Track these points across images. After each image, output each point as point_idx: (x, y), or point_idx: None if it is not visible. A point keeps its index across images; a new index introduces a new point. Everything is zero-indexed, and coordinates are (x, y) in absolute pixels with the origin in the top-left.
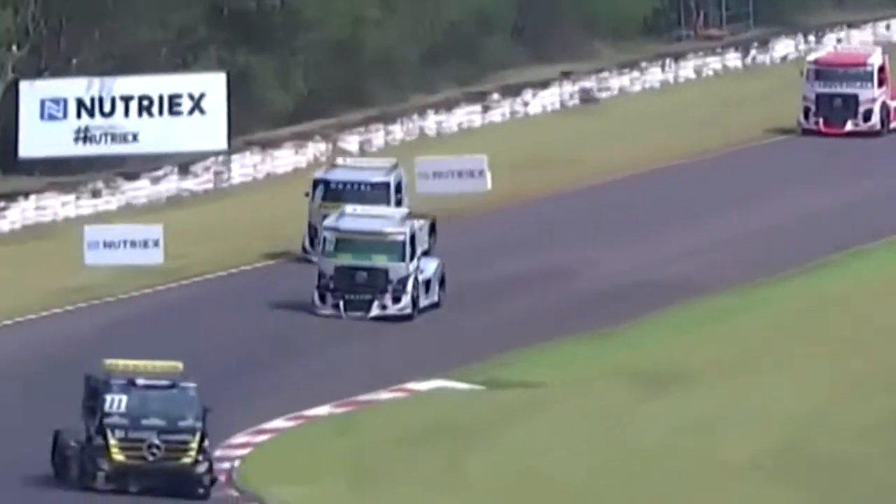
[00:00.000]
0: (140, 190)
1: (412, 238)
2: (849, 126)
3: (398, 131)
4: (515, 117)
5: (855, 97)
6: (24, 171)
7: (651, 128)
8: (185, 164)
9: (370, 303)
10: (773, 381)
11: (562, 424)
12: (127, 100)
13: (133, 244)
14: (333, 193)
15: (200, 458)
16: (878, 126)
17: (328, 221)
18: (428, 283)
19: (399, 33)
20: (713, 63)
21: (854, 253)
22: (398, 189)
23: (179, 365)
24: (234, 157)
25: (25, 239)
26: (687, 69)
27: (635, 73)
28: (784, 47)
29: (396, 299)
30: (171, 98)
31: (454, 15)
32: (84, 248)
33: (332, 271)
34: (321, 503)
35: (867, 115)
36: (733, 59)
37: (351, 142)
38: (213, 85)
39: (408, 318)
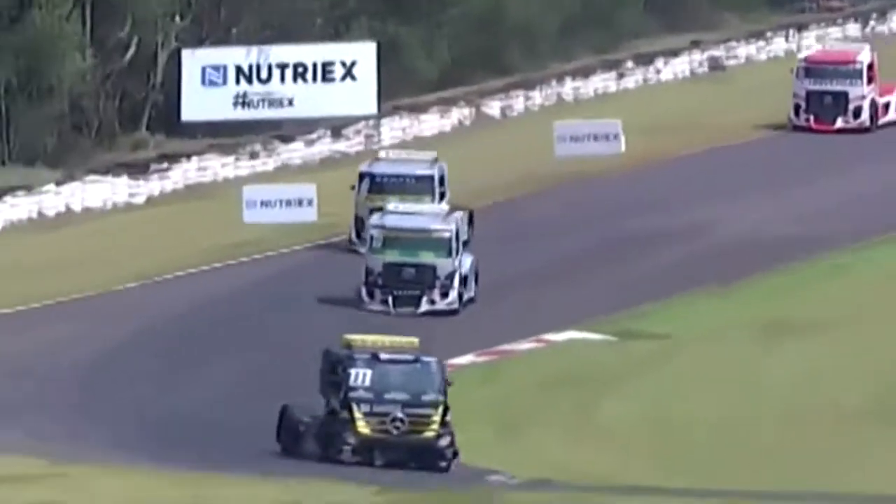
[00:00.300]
0: (295, 152)
1: (457, 234)
2: (839, 123)
3: (537, 97)
4: (648, 84)
5: (845, 94)
6: (186, 135)
7: (775, 94)
8: (337, 127)
9: (419, 298)
10: (890, 330)
11: (690, 373)
12: (283, 67)
13: (288, 203)
14: (379, 186)
15: (442, 431)
16: (868, 123)
17: (374, 219)
18: (465, 278)
19: (538, 4)
20: (834, 33)
21: None
22: (441, 182)
23: (416, 340)
24: (384, 121)
25: (187, 198)
26: (809, 38)
27: (761, 43)
28: None
29: (444, 294)
30: (325, 65)
31: None
32: (243, 206)
33: (380, 268)
34: (466, 447)
35: (857, 112)
36: (853, 29)
37: (493, 107)
38: (364, 53)
39: (454, 312)
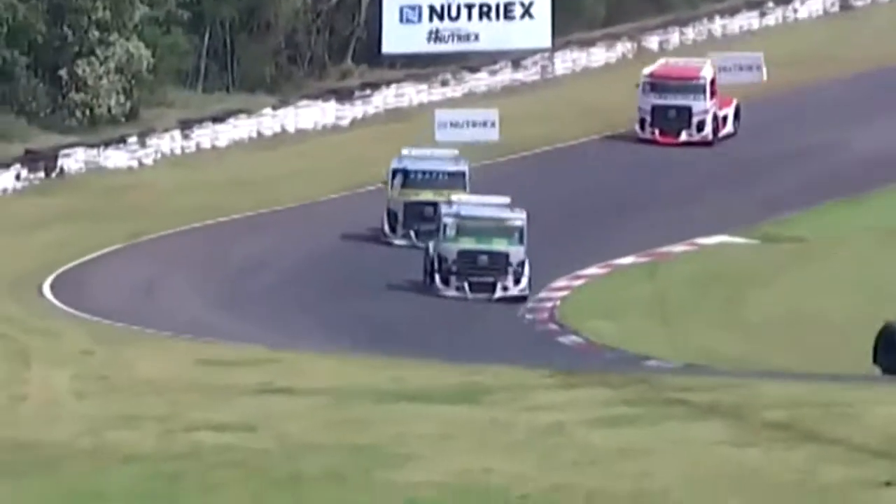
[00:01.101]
0: (480, 80)
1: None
2: (683, 136)
3: (690, 32)
4: (787, 21)
5: (689, 109)
6: (386, 65)
7: None
8: (517, 59)
9: (493, 285)
10: None
11: (824, 272)
12: (470, 7)
13: (474, 124)
14: (412, 182)
15: None
16: (710, 136)
17: (447, 209)
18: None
19: None
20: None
21: None
22: (469, 177)
23: None
24: (557, 54)
25: (387, 121)
26: None
27: None
28: None
29: (517, 281)
30: (506, 5)
31: None
32: (434, 127)
33: (454, 255)
34: (627, 335)
35: (700, 126)
36: None
37: (652, 42)
38: None
39: (524, 298)
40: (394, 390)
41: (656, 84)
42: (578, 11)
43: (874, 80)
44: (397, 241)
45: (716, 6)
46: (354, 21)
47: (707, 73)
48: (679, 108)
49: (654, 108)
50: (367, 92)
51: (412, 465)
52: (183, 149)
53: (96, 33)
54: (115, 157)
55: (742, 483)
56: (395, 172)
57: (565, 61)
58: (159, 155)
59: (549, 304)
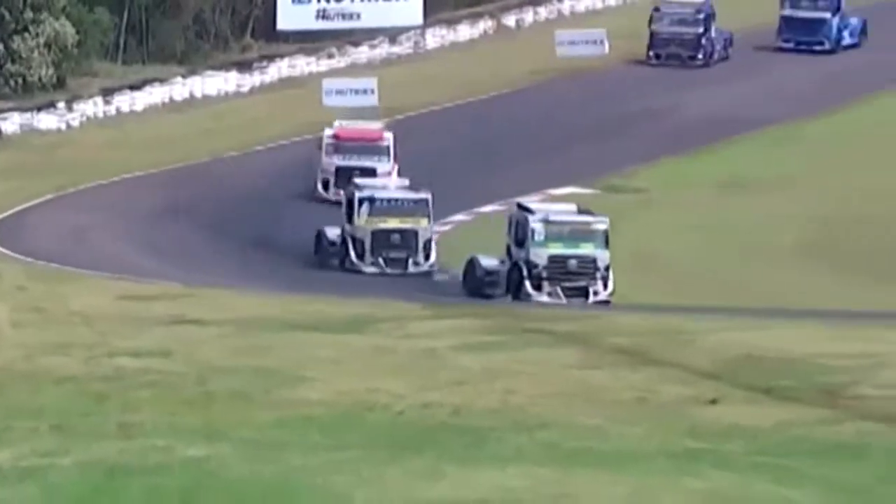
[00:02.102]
0: (361, 53)
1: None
2: None
3: (543, 12)
4: (626, 2)
5: (373, 170)
6: (281, 40)
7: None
8: (393, 35)
9: (586, 289)
10: (821, 187)
11: (662, 218)
12: None
13: (356, 92)
14: (378, 210)
15: None
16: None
17: (534, 217)
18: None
19: None
20: None
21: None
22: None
23: None
24: (428, 30)
25: (281, 88)
26: None
27: None
28: None
29: (605, 284)
30: None
31: None
32: (322, 94)
33: (545, 261)
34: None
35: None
36: None
37: (510, 20)
38: None
39: (608, 303)
40: (292, 321)
41: (340, 145)
42: None
43: None
44: (367, 269)
45: None
46: (253, 2)
47: (389, 135)
48: (364, 169)
49: (339, 169)
50: (265, 63)
51: (307, 386)
52: (105, 112)
53: (30, 13)
54: (46, 120)
55: (590, 399)
56: (360, 201)
57: (435, 37)
58: (85, 118)
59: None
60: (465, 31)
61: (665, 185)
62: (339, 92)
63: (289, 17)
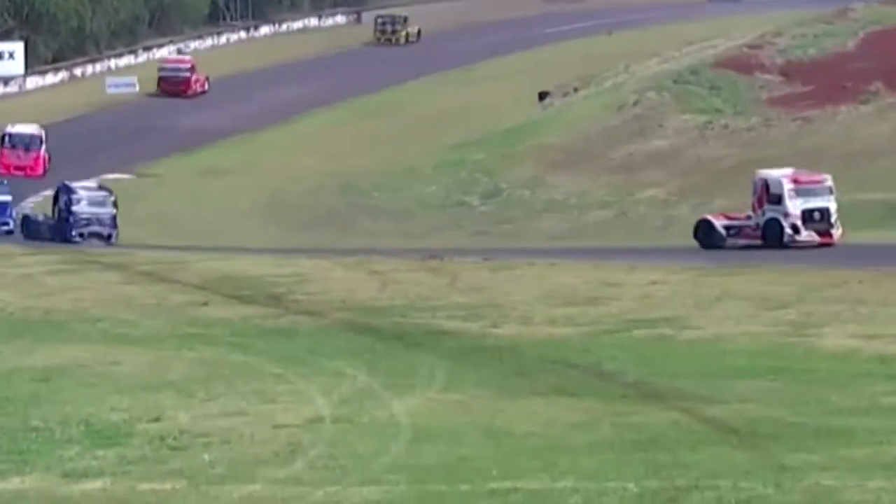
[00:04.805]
0: None
1: None
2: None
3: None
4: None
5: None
6: None
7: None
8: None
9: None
10: (261, 173)
11: (172, 191)
12: None
13: None
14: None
15: None
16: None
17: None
18: None
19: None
20: None
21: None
22: None
23: None
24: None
25: None
26: None
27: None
28: None
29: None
30: None
31: None
32: None
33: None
34: None
35: None
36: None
37: (81, 70)
38: None
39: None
40: None
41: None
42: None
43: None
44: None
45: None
46: None
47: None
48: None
49: None
50: None
51: None
52: None
53: None
54: None
55: (127, 303)
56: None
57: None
58: None
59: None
60: (51, 78)
61: (172, 172)
62: None
63: None
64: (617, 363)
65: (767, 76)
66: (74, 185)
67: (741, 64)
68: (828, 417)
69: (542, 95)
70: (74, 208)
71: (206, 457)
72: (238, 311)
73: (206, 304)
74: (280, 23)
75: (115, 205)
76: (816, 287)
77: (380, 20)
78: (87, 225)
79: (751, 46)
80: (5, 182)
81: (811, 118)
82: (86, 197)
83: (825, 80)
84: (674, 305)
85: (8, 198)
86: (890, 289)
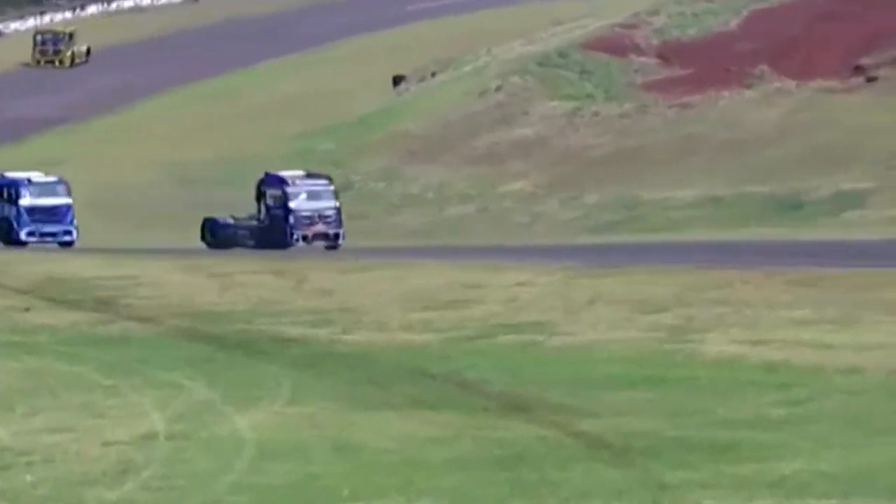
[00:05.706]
0: None
1: None
2: None
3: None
4: None
5: None
6: None
7: None
8: None
9: None
10: (92, 165)
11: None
12: None
13: None
14: None
15: None
16: None
17: None
18: None
19: None
20: None
21: None
22: None
23: None
24: None
25: None
26: None
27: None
28: None
29: None
30: None
31: None
32: None
33: None
34: None
35: None
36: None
37: None
38: None
39: None
40: None
41: None
42: None
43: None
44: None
45: None
46: None
47: None
48: None
49: None
50: None
51: None
52: None
53: None
54: None
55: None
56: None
57: None
58: None
59: None
60: None
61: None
62: None
63: None
64: (480, 372)
65: (643, 59)
66: (283, 174)
67: (614, 45)
68: (710, 430)
69: (397, 80)
70: (292, 204)
71: (29, 477)
72: (64, 316)
73: (27, 309)
74: (109, 1)
75: (336, 196)
76: (697, 288)
77: (39, 38)
78: (311, 224)
79: (624, 26)
80: (64, 181)
81: (691, 104)
82: (304, 189)
83: (706, 63)
84: (542, 309)
85: (67, 200)
86: (777, 290)
